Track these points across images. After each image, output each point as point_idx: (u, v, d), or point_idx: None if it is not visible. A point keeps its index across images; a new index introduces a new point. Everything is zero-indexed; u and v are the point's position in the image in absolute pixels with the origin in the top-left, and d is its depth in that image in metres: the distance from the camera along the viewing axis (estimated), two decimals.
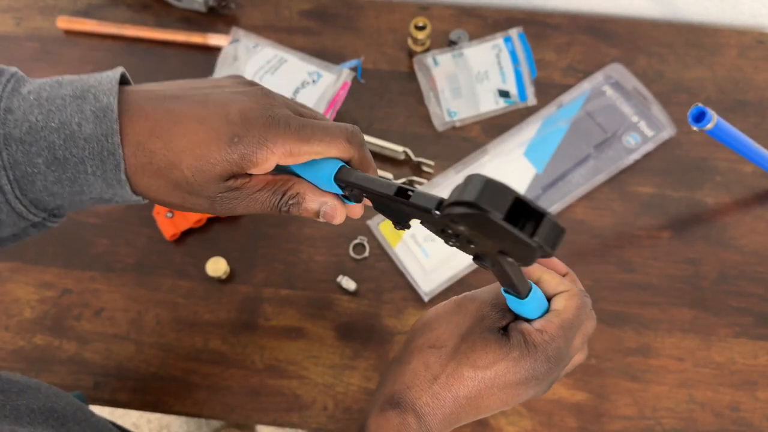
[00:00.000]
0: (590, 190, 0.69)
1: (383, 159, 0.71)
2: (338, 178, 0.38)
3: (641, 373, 0.61)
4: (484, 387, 0.38)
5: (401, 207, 0.36)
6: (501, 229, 0.29)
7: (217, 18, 0.81)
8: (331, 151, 0.37)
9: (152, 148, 0.36)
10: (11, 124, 0.35)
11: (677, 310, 0.64)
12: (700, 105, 0.54)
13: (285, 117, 0.37)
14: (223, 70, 0.75)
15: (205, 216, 0.68)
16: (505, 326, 0.40)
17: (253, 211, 0.38)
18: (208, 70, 0.76)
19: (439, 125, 0.73)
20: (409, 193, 0.35)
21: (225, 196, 0.37)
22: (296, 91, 0.70)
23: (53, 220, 0.40)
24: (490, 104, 0.74)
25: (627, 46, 0.77)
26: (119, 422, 0.53)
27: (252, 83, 0.40)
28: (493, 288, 0.41)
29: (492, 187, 0.29)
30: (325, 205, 0.38)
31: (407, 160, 0.71)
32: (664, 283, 0.65)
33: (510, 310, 0.40)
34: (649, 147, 0.70)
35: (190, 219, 0.67)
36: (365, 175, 0.37)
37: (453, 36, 0.77)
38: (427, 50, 0.77)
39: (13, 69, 0.38)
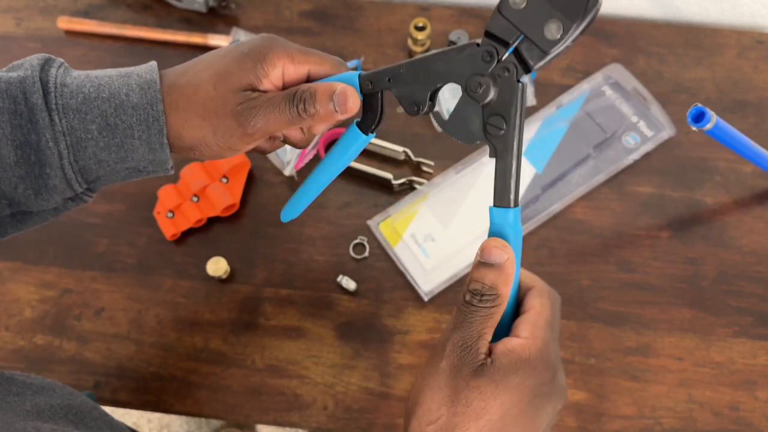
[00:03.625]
0: (590, 190, 0.69)
1: (383, 159, 0.71)
2: (362, 75, 0.41)
3: (641, 373, 0.62)
4: (499, 427, 0.35)
5: (438, 62, 0.39)
6: None
7: (218, 18, 0.81)
8: (326, 65, 0.42)
9: (181, 82, 0.41)
10: (67, 96, 0.40)
11: (677, 310, 0.64)
12: (700, 105, 0.54)
13: (285, 40, 0.43)
14: None
15: (206, 216, 0.68)
16: (489, 353, 0.36)
17: (273, 120, 0.40)
18: None
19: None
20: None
21: (246, 106, 0.40)
22: None
23: (89, 194, 0.44)
24: None
25: (626, 46, 0.77)
26: (121, 421, 0.54)
27: None
28: (453, 326, 0.36)
29: None
30: (336, 91, 0.40)
31: (407, 160, 0.71)
32: (663, 283, 0.65)
33: (483, 336, 0.36)
34: (648, 147, 0.70)
35: (191, 219, 0.68)
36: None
37: (453, 36, 0.77)
38: (427, 51, 0.77)
39: (61, 59, 0.43)
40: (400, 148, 0.70)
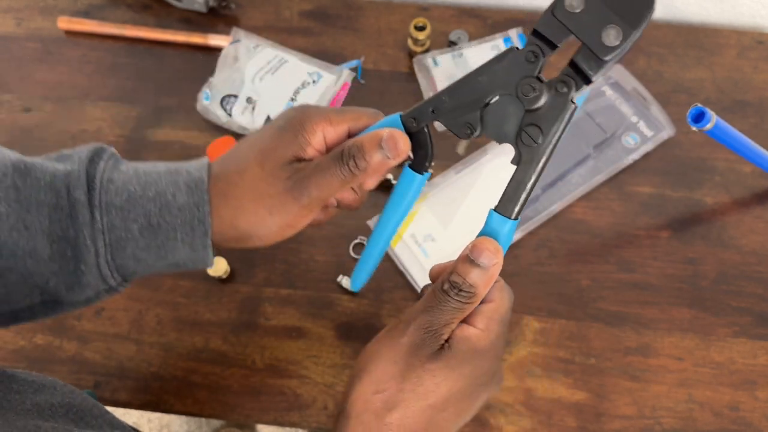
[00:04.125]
0: (589, 190, 0.69)
1: None
2: (403, 115, 0.40)
3: (641, 373, 0.62)
4: (440, 410, 0.36)
5: (479, 77, 0.37)
6: None
7: (218, 18, 0.81)
8: (363, 118, 0.41)
9: (227, 170, 0.40)
10: (112, 193, 0.38)
11: (677, 310, 0.64)
12: (700, 105, 0.54)
13: (317, 105, 0.42)
14: (223, 70, 0.75)
15: None
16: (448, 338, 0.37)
17: (326, 185, 0.39)
18: (208, 70, 0.76)
19: (439, 125, 0.73)
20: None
21: (296, 178, 0.39)
22: (296, 92, 0.70)
23: (124, 286, 0.42)
24: None
25: None
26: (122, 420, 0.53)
27: None
28: (423, 307, 0.37)
29: None
30: (384, 137, 0.39)
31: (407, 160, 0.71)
32: (663, 283, 0.65)
33: (450, 325, 0.36)
34: (648, 147, 0.70)
35: None
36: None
37: (453, 36, 0.77)
38: (427, 51, 0.77)
39: (112, 149, 0.41)
40: None
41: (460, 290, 0.35)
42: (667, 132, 0.71)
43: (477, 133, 0.38)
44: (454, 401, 0.36)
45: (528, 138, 0.36)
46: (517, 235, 0.67)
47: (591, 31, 0.34)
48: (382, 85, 0.76)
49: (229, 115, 0.73)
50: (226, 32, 0.79)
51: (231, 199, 0.39)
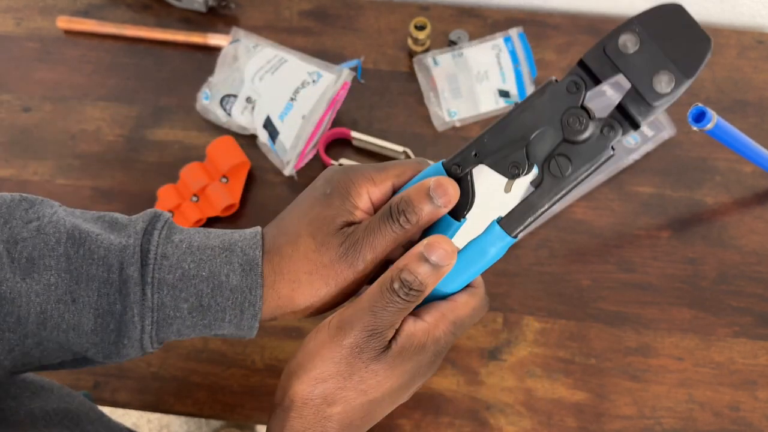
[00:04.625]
0: (590, 190, 0.69)
1: (383, 159, 0.71)
2: (446, 162, 0.38)
3: (641, 373, 0.62)
4: (379, 403, 0.37)
5: (521, 114, 0.36)
6: (685, 25, 0.33)
7: (218, 18, 0.81)
8: (407, 171, 0.39)
9: (279, 243, 0.39)
10: (165, 269, 0.37)
11: (677, 310, 0.64)
12: (700, 105, 0.54)
13: (357, 164, 0.40)
14: (223, 70, 0.75)
15: (205, 216, 0.68)
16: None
17: (380, 246, 0.38)
18: (208, 70, 0.76)
19: (439, 125, 0.73)
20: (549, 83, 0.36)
21: (349, 244, 0.38)
22: (296, 91, 0.70)
23: (156, 348, 0.41)
24: (490, 104, 0.74)
25: None
26: (119, 422, 0.53)
27: None
28: (368, 306, 0.36)
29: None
30: (431, 186, 0.37)
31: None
32: (663, 283, 0.65)
33: (394, 326, 0.36)
34: (648, 147, 0.70)
35: (190, 219, 0.68)
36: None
37: (453, 36, 0.77)
38: (427, 50, 0.77)
39: (167, 215, 0.40)
40: (400, 148, 0.70)
41: (411, 289, 0.35)
42: (668, 132, 0.71)
43: (525, 171, 0.36)
44: (393, 394, 0.37)
45: (556, 167, 0.35)
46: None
47: (642, 75, 0.33)
48: (382, 85, 0.76)
49: (229, 114, 0.73)
50: (226, 32, 0.79)
51: (286, 273, 0.38)
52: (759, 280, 0.65)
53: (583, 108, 0.35)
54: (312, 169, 0.71)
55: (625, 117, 0.34)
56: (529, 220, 0.36)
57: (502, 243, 0.36)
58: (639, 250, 0.67)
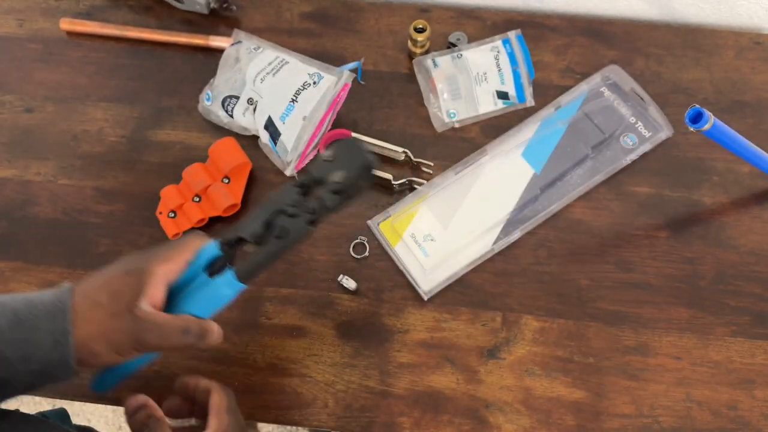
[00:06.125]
0: (588, 190, 0.70)
1: (383, 160, 0.72)
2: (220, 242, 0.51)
3: (639, 372, 0.62)
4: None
5: (284, 195, 0.51)
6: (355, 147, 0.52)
7: (219, 20, 0.81)
8: (189, 251, 0.50)
9: (86, 292, 0.47)
10: None
11: (675, 310, 0.64)
12: (698, 106, 0.54)
13: (154, 251, 0.50)
14: (224, 71, 0.76)
15: (207, 216, 0.69)
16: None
17: (165, 344, 0.48)
18: (209, 71, 0.77)
19: (438, 126, 0.74)
20: (302, 174, 0.58)
21: (140, 320, 0.46)
22: (297, 93, 0.71)
23: None
24: (488, 105, 0.74)
25: (625, 47, 0.77)
26: (120, 422, 0.54)
27: None
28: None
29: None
30: (214, 339, 0.51)
31: (407, 161, 0.72)
32: (661, 283, 0.66)
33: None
34: (646, 147, 0.71)
35: (192, 219, 0.68)
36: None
37: (452, 38, 0.78)
38: (426, 52, 0.78)
39: None
40: (399, 149, 0.71)
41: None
42: (665, 132, 0.71)
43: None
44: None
45: (277, 232, 0.49)
46: (516, 235, 0.67)
47: (327, 171, 0.51)
48: (382, 86, 0.76)
49: (231, 115, 0.73)
50: (228, 34, 0.79)
51: (87, 322, 0.45)
52: (757, 279, 0.65)
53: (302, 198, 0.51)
54: None
55: (320, 203, 0.50)
56: (260, 271, 0.50)
57: (233, 290, 0.50)
58: (637, 249, 0.67)
